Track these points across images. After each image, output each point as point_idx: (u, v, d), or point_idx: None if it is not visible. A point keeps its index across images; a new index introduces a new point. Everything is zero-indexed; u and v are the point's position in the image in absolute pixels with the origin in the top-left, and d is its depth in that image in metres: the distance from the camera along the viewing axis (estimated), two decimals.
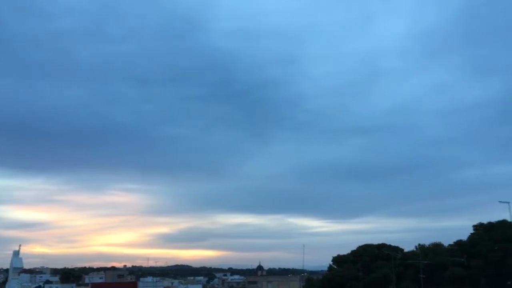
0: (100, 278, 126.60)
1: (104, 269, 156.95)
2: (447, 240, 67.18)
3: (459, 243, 61.78)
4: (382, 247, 69.29)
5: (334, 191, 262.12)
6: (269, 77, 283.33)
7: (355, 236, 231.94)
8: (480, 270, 55.38)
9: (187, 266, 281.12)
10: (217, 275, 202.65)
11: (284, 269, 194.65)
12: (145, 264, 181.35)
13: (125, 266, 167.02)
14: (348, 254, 72.77)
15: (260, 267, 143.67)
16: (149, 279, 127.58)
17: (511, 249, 54.75)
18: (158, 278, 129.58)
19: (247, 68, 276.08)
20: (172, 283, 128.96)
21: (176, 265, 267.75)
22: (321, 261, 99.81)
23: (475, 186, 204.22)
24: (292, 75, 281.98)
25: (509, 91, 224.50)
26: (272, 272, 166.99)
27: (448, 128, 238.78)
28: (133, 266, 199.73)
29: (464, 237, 61.54)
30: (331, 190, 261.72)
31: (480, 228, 59.75)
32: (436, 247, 67.17)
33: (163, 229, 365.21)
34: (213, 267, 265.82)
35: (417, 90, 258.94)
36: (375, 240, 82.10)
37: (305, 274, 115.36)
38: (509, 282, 54.53)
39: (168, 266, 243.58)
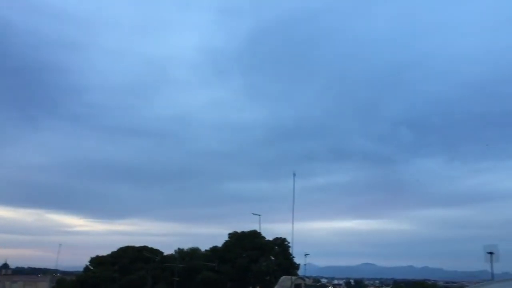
0: None
1: None
2: (205, 246, 71.31)
3: (214, 249, 66.43)
4: (143, 249, 69.54)
5: (103, 190, 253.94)
6: (48, 60, 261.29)
7: (120, 237, 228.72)
8: (228, 274, 60.55)
9: None
10: None
11: (35, 268, 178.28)
12: None
13: None
14: (107, 255, 70.88)
15: (5, 265, 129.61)
16: None
17: (257, 256, 61.62)
18: None
19: (23, 45, 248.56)
20: None
21: None
22: (79, 261, 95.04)
23: (235, 197, 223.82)
24: (76, 63, 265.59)
25: (275, 118, 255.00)
26: (20, 272, 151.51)
27: (220, 142, 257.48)
28: None
29: (221, 244, 66.45)
30: (101, 188, 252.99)
31: (233, 236, 65.46)
32: (194, 252, 70.75)
33: None
34: None
35: (199, 103, 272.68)
36: (139, 242, 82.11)
37: (58, 274, 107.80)
38: (250, 287, 61.02)
39: None
